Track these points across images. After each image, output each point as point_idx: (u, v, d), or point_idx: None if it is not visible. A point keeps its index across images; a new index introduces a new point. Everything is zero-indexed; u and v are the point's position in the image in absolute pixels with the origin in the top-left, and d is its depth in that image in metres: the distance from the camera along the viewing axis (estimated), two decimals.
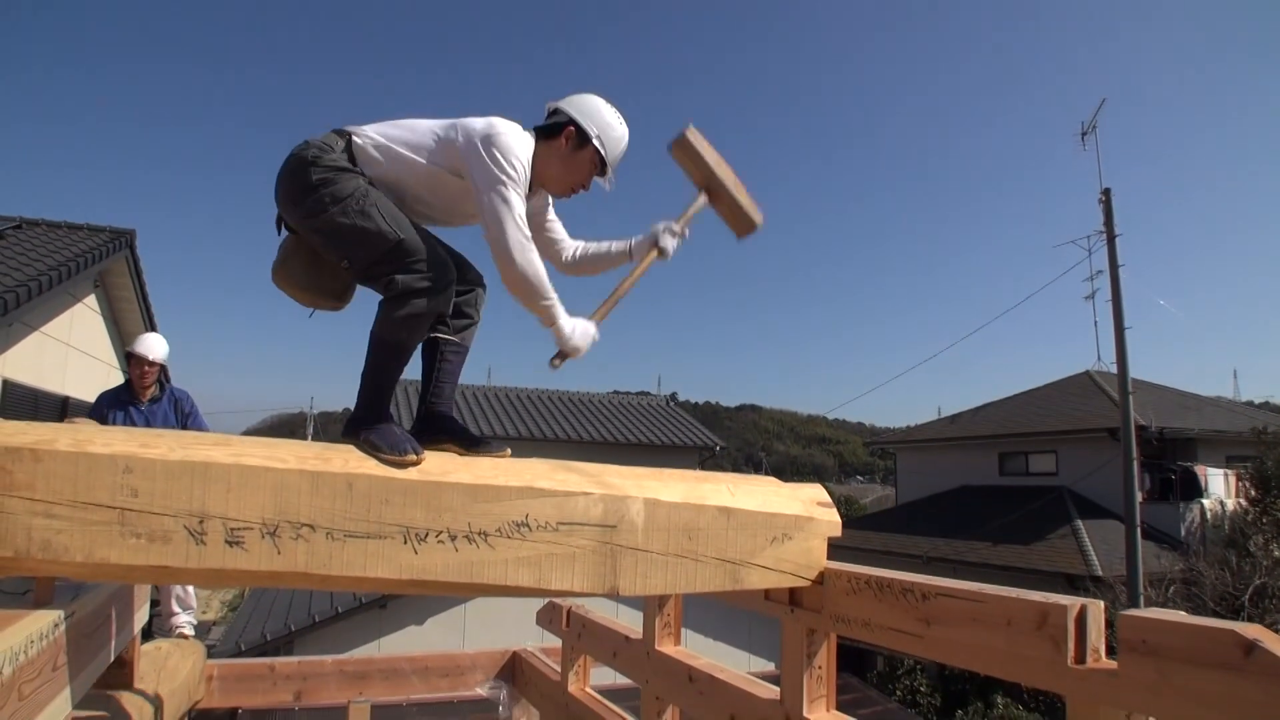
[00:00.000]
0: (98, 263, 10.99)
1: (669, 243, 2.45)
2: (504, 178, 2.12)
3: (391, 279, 2.05)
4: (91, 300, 12.01)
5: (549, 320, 2.19)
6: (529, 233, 2.15)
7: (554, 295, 2.18)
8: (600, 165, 2.36)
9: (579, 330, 2.22)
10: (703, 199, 2.55)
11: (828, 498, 2.32)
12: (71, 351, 11.29)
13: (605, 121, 2.35)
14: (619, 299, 2.38)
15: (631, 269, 2.43)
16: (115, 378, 13.20)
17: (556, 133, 2.32)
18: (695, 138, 2.51)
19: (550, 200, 2.55)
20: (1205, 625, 1.40)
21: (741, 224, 2.63)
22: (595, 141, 2.32)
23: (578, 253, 2.57)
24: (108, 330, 12.76)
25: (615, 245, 2.53)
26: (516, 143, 2.17)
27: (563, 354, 2.22)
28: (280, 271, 2.31)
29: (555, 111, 2.36)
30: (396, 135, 2.24)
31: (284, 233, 2.29)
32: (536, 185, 2.36)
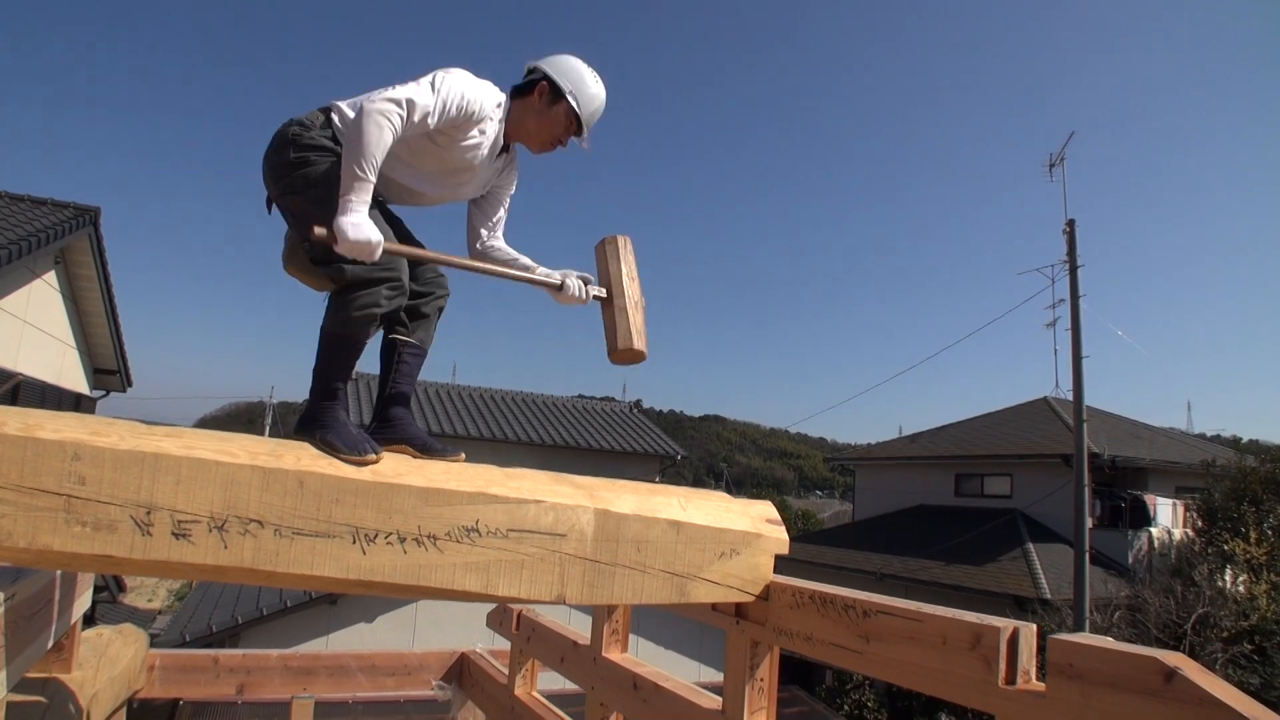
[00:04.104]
0: (60, 239, 10.76)
1: (573, 284, 2.35)
2: (436, 78, 2.17)
3: (341, 269, 2.05)
4: (51, 277, 11.76)
5: (345, 190, 1.98)
6: (404, 117, 2.08)
7: (371, 177, 2.00)
8: (576, 124, 2.39)
9: (360, 225, 1.96)
10: (601, 291, 2.44)
11: (777, 515, 2.35)
12: (27, 328, 11.06)
13: (580, 79, 2.38)
14: (496, 273, 2.32)
15: (526, 275, 2.40)
16: (71, 356, 12.96)
17: (531, 89, 2.37)
18: (623, 246, 2.47)
19: (510, 186, 2.58)
20: (1128, 651, 1.44)
21: (618, 340, 2.38)
22: (569, 98, 2.35)
23: (493, 246, 2.54)
24: (66, 308, 12.51)
25: (527, 260, 2.50)
26: (467, 79, 2.22)
27: (324, 232, 1.97)
28: (291, 260, 2.27)
29: (532, 70, 2.40)
30: None
31: (273, 212, 2.27)
32: (513, 141, 2.43)
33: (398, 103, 2.06)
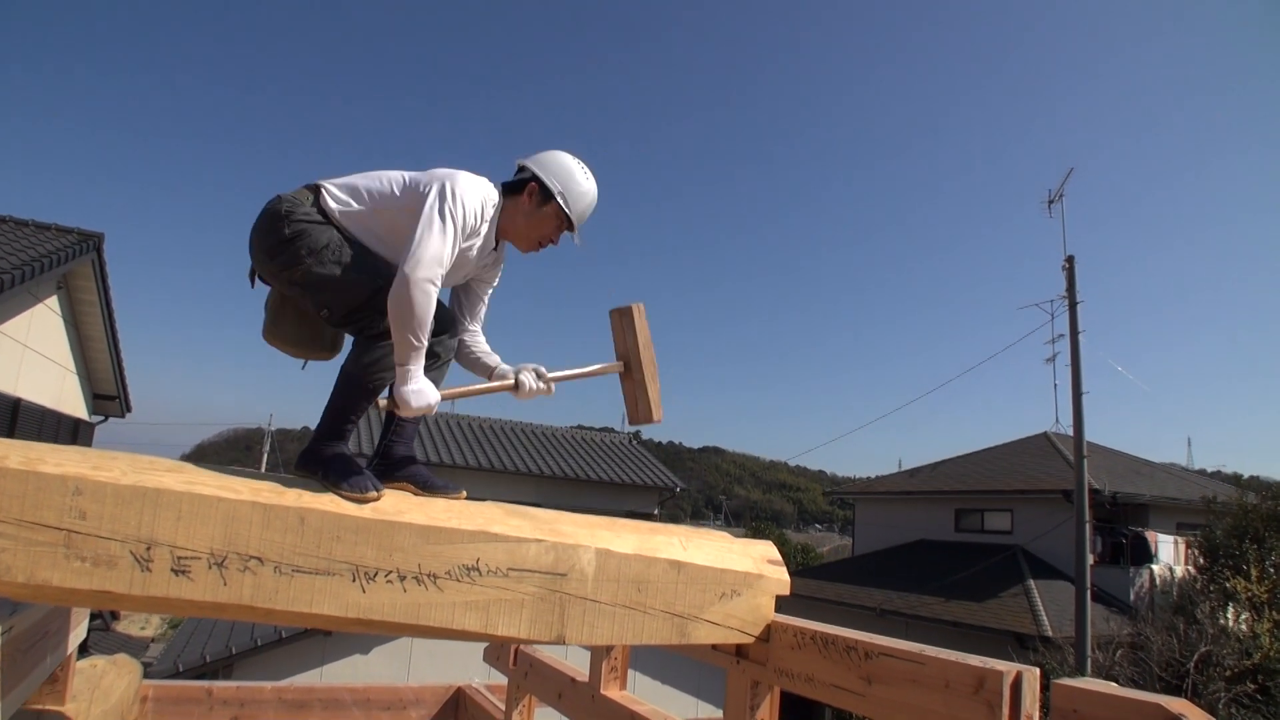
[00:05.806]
0: (63, 264, 10.80)
1: (528, 379, 2.31)
2: (447, 208, 2.09)
3: (371, 321, 2.08)
4: (53, 302, 11.79)
5: (402, 360, 2.02)
6: (445, 267, 2.08)
7: (425, 342, 2.04)
8: (567, 222, 2.36)
9: (422, 391, 2.04)
10: (617, 366, 2.52)
11: (778, 555, 2.34)
12: (28, 352, 11.06)
13: (570, 178, 2.34)
14: (460, 395, 2.33)
15: (483, 383, 2.38)
16: (70, 381, 12.95)
17: (520, 189, 2.33)
18: (638, 315, 2.51)
19: (493, 281, 2.55)
20: (1132, 698, 1.44)
21: (639, 412, 2.53)
22: (559, 199, 2.31)
23: (468, 339, 2.51)
24: (67, 333, 12.52)
25: (490, 359, 2.47)
26: (472, 191, 2.17)
27: (392, 400, 2.06)
28: (272, 330, 2.31)
29: (521, 169, 2.37)
30: (364, 185, 2.22)
31: (257, 285, 2.27)
32: (502, 239, 2.40)
33: (437, 261, 2.03)
